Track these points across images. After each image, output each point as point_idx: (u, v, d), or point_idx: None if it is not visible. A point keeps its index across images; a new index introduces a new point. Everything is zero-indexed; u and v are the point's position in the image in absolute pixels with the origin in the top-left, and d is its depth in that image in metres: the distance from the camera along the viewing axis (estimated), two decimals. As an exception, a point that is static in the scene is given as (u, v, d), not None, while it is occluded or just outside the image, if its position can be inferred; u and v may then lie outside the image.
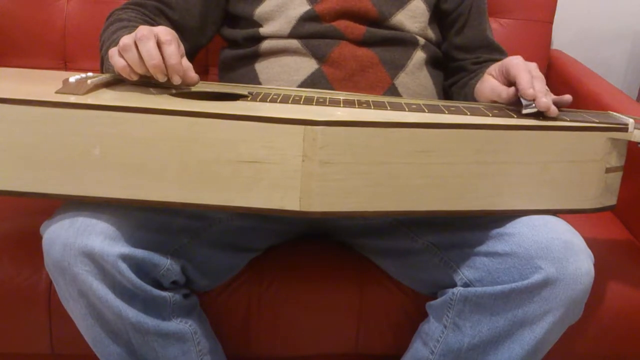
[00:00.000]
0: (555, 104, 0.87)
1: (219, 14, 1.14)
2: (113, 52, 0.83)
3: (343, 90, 1.03)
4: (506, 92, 0.93)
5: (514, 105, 0.92)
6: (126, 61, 0.82)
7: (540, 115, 0.86)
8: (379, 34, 1.07)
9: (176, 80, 0.83)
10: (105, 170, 0.76)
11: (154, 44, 0.80)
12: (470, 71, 1.15)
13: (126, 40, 0.81)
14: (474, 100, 1.06)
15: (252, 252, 1.02)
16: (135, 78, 0.83)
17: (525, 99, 0.86)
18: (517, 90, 0.89)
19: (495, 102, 0.97)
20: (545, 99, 0.85)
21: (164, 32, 0.82)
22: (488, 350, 0.87)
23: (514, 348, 0.86)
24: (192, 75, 0.86)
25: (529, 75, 0.88)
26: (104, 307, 0.82)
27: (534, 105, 0.85)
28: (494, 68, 0.99)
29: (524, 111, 0.86)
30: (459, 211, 0.83)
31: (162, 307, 0.85)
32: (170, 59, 0.81)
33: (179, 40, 0.85)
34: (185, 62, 0.85)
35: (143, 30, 0.81)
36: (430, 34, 1.13)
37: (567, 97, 0.90)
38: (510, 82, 0.94)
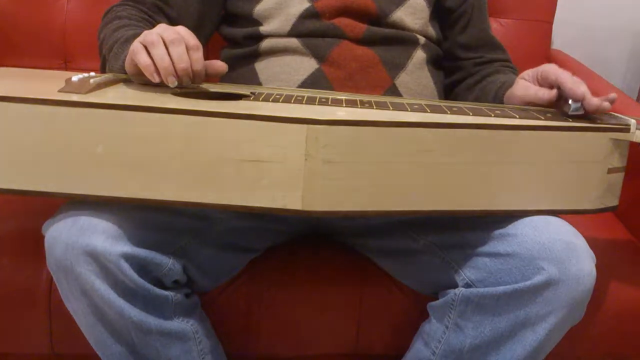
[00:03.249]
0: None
1: (217, 13, 1.14)
2: (139, 49, 0.84)
3: (343, 90, 1.03)
4: (548, 93, 0.92)
5: (553, 107, 0.93)
6: (153, 60, 0.83)
7: (586, 116, 0.88)
8: (379, 32, 1.07)
9: (198, 82, 0.88)
10: (107, 169, 0.76)
11: (184, 48, 0.83)
12: (471, 72, 1.15)
13: (154, 37, 0.83)
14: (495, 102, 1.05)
15: (252, 252, 1.02)
16: (157, 80, 0.83)
17: (573, 100, 0.87)
18: (560, 91, 0.90)
19: (530, 103, 0.96)
20: (596, 99, 0.86)
21: (189, 36, 0.85)
22: (490, 351, 0.87)
23: (516, 349, 0.85)
24: (220, 63, 0.90)
25: (572, 78, 0.89)
26: (106, 306, 0.82)
27: (581, 105, 0.87)
28: (527, 73, 0.98)
29: (572, 112, 0.87)
30: (460, 211, 0.83)
31: (164, 306, 0.85)
32: (196, 65, 0.84)
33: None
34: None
35: (170, 33, 0.83)
36: (431, 31, 1.12)
37: (612, 96, 0.90)
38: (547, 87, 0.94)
